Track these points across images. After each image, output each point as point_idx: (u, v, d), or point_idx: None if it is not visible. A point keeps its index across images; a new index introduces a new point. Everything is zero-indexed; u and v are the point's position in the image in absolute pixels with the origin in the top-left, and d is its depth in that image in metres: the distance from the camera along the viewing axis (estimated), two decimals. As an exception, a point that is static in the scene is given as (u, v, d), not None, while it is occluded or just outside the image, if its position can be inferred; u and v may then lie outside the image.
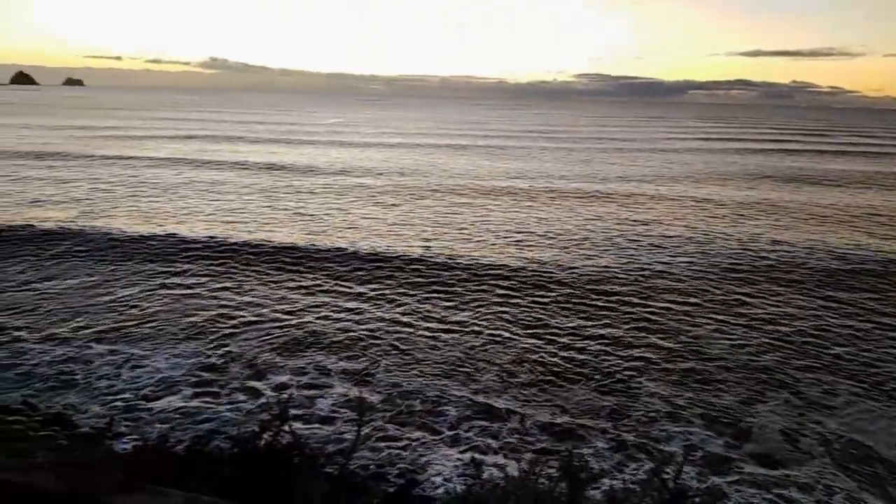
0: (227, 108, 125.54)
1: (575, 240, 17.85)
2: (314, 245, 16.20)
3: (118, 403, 9.03)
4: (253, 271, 14.30)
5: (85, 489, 2.69)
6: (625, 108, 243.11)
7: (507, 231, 18.74)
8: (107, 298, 12.76)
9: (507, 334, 11.34)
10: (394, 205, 22.59)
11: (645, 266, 15.24)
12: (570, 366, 10.20)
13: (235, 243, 16.32)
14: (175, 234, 17.20)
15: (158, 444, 7.53)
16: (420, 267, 14.76)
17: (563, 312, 12.30)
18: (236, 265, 14.80)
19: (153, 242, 16.31)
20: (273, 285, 13.51)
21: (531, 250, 16.45)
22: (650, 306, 12.71)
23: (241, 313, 12.07)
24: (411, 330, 11.47)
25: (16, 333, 11.24)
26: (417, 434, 8.25)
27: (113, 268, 14.56)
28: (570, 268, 14.88)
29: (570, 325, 11.79)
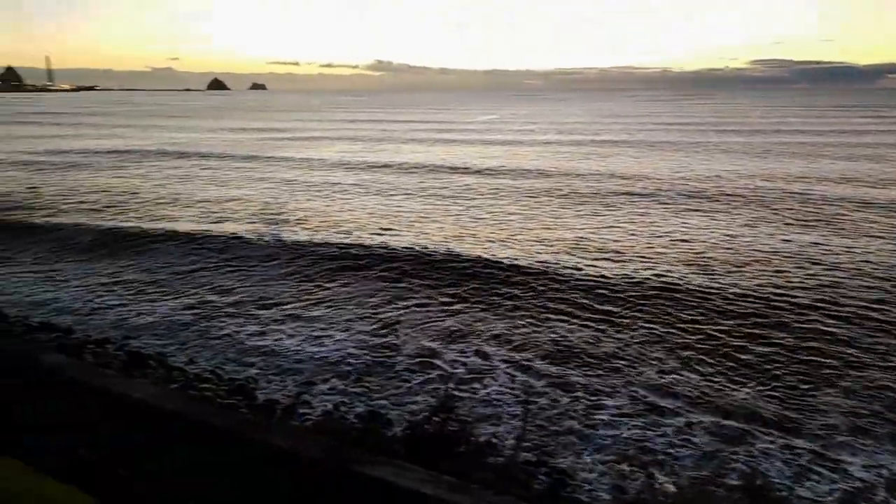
0: (390, 108, 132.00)
1: (757, 254, 15.39)
2: (465, 254, 15.90)
3: (294, 378, 9.83)
4: (423, 285, 14.19)
5: (339, 459, 2.82)
6: (809, 96, 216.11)
7: (671, 242, 16.71)
8: (291, 289, 13.96)
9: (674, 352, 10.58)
10: (546, 209, 21.36)
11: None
12: (737, 365, 9.37)
13: (396, 250, 16.18)
14: (348, 239, 17.72)
15: (334, 419, 7.96)
16: (570, 281, 13.99)
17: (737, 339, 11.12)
18: (410, 279, 14.60)
19: (326, 249, 17.00)
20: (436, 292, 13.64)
21: (703, 267, 14.40)
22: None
23: (406, 302, 12.63)
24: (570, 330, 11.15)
25: (216, 312, 12.65)
26: (574, 427, 7.96)
27: (288, 269, 15.78)
28: (752, 293, 12.62)
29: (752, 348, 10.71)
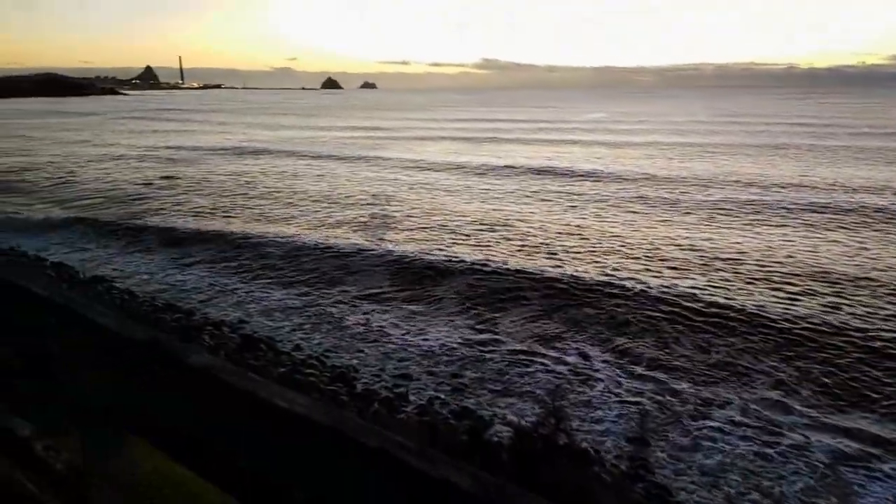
0: (494, 106, 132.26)
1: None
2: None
3: (391, 368, 10.08)
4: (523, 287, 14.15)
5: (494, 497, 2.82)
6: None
7: (790, 260, 14.91)
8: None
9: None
10: (655, 218, 19.81)
11: None
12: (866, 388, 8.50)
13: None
14: (447, 247, 17.90)
15: (439, 416, 8.05)
16: (678, 304, 13.32)
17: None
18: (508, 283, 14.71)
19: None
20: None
21: (825, 289, 12.91)
22: None
23: (506, 304, 12.58)
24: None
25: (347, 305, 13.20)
26: (678, 440, 7.56)
27: (392, 268, 16.16)
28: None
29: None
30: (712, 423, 8.04)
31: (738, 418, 8.16)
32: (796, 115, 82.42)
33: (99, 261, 16.26)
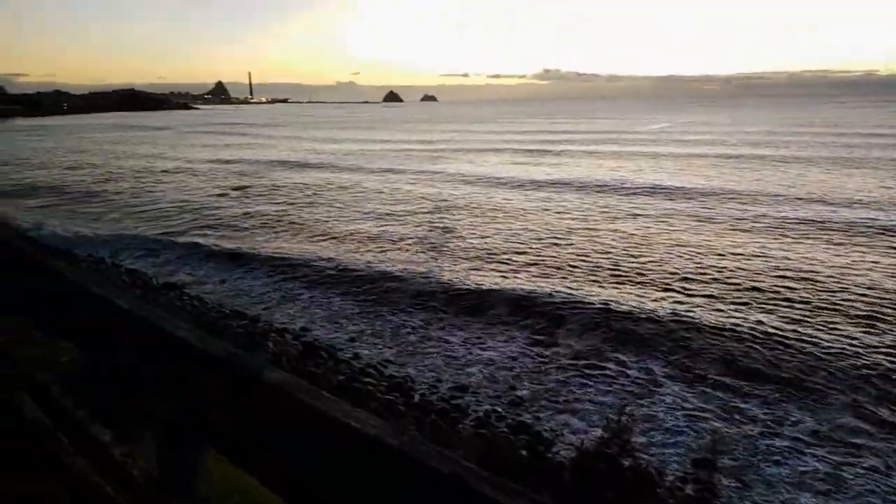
0: (554, 117, 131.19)
1: None
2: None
3: (448, 378, 10.07)
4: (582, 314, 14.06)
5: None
6: None
7: (873, 290, 13.58)
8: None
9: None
10: (724, 240, 18.42)
11: None
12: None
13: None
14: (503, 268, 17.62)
15: (501, 431, 7.97)
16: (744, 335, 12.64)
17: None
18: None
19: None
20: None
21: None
22: None
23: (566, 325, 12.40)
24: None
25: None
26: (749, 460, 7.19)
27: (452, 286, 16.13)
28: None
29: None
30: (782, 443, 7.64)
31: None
32: (874, 125, 77.91)
33: (171, 267, 17.00)
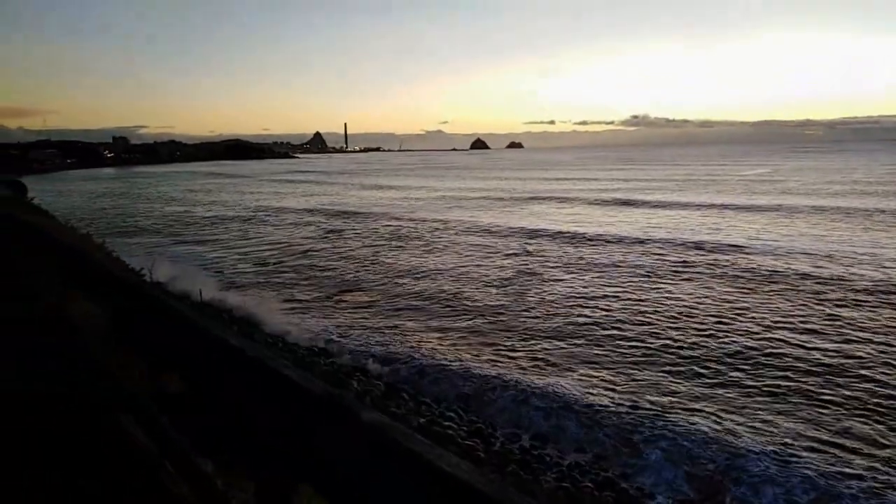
0: (637, 165, 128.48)
1: None
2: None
3: (529, 429, 9.85)
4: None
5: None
6: None
7: None
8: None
9: None
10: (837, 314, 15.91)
11: None
12: None
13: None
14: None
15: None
16: None
17: None
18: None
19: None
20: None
21: None
22: None
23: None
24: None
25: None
26: None
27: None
28: None
29: None
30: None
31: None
32: None
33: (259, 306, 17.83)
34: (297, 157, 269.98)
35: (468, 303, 17.78)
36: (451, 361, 12.94)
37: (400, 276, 21.84)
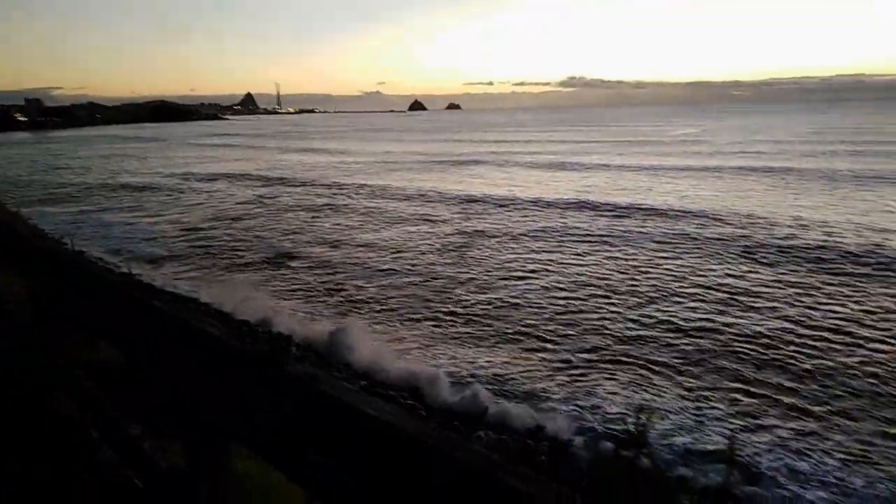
0: (575, 126, 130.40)
1: None
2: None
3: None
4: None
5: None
6: None
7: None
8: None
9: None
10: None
11: None
12: None
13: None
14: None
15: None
16: None
17: None
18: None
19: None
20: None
21: None
22: None
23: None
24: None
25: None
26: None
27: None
28: None
29: None
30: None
31: None
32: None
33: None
34: (227, 119, 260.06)
35: (405, 269, 17.85)
36: (390, 330, 13.03)
37: (337, 243, 21.66)
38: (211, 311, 13.78)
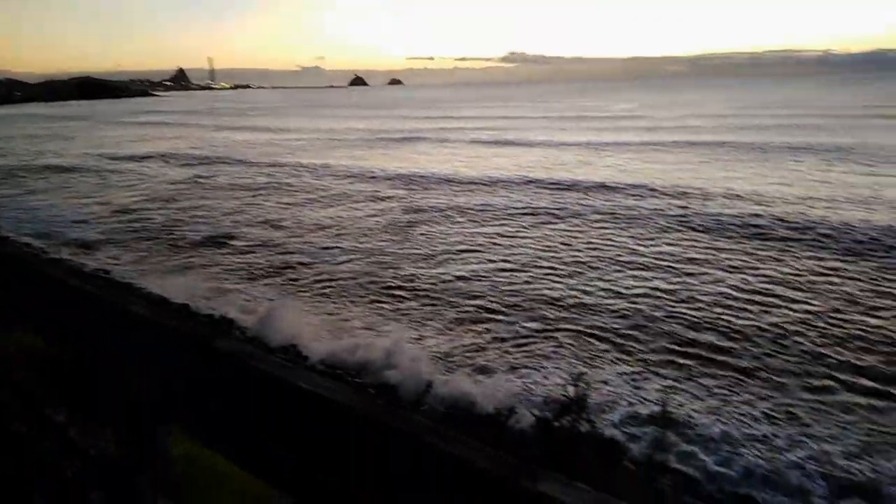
0: (515, 102, 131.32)
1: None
2: None
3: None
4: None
5: (509, 473, 2.91)
6: None
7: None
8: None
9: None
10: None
11: None
12: None
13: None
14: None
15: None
16: None
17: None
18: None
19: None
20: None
21: None
22: None
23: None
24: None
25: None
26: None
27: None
28: None
29: None
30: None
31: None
32: (829, 101, 79.78)
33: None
34: (159, 96, 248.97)
35: (351, 248, 17.61)
36: (335, 309, 12.88)
37: (279, 222, 21.16)
38: (146, 293, 13.28)
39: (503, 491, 2.85)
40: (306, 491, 2.03)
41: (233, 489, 2.23)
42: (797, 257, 15.12)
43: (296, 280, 14.85)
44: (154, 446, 2.18)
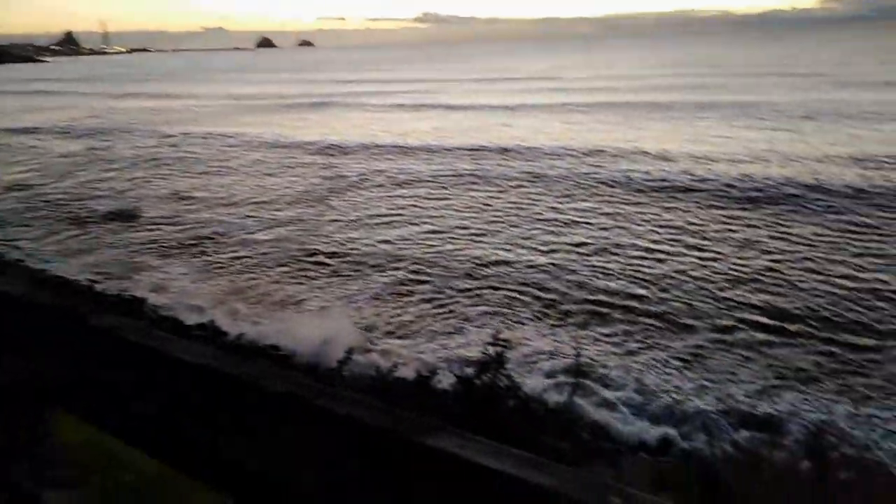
0: (430, 63, 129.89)
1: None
2: None
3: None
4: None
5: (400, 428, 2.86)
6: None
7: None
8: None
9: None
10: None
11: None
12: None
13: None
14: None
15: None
16: None
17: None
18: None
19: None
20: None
21: None
22: None
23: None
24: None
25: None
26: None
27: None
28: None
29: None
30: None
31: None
32: (727, 58, 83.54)
33: None
34: (46, 62, 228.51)
35: (267, 219, 16.98)
36: (253, 284, 12.46)
37: (188, 195, 20.09)
38: (28, 269, 12.31)
39: (395, 447, 2.87)
40: (204, 467, 1.96)
41: (130, 471, 2.10)
42: (702, 207, 15.96)
43: (210, 254, 14.24)
44: (35, 433, 2.00)
